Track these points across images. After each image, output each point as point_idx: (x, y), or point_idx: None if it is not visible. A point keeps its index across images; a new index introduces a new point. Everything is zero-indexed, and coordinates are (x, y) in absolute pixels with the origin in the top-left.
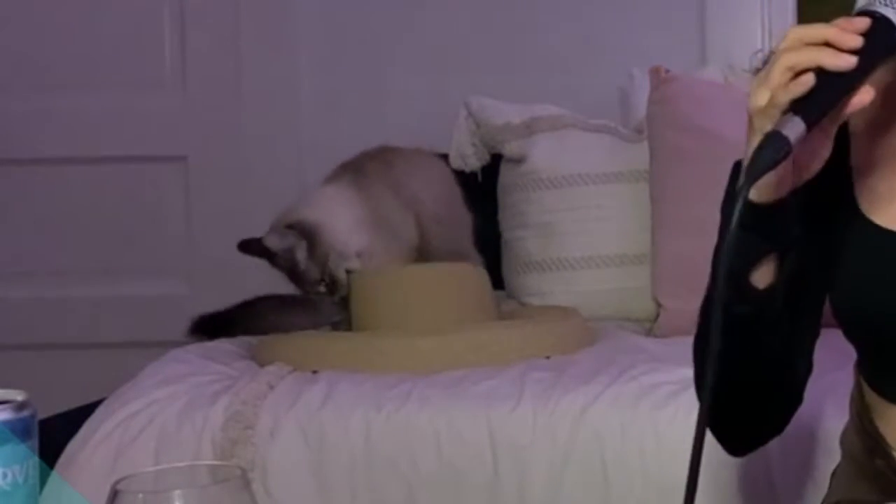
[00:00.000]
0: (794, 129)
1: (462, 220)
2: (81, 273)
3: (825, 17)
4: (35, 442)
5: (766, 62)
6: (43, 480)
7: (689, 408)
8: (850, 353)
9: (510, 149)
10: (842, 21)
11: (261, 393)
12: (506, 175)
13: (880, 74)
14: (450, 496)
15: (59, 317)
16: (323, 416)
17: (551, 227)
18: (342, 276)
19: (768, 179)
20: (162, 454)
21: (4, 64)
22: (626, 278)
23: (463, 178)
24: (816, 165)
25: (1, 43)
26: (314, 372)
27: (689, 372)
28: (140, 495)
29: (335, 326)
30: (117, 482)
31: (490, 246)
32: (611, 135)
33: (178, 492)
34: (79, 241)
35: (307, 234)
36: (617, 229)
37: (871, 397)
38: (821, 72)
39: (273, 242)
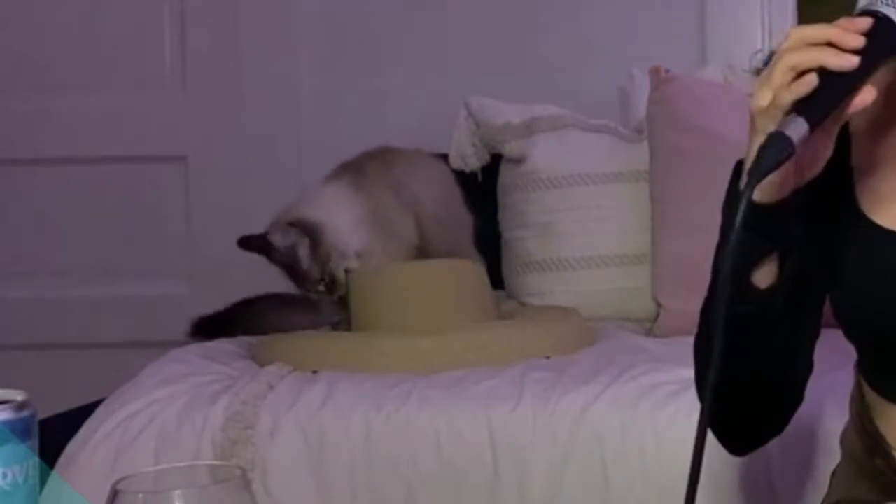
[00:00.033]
0: (797, 129)
1: (462, 221)
2: (81, 273)
3: (825, 17)
4: (35, 442)
5: (766, 62)
6: (43, 480)
7: (689, 408)
8: (850, 353)
9: (510, 149)
10: (844, 21)
11: (261, 393)
12: (506, 175)
13: (882, 74)
14: (450, 496)
15: (59, 317)
16: (323, 416)
17: (551, 227)
18: (342, 275)
19: (771, 179)
20: (162, 454)
21: (4, 64)
22: (626, 278)
23: (463, 178)
24: (818, 165)
25: (1, 43)
26: (314, 372)
27: (689, 372)
28: (140, 495)
29: (335, 326)
30: (117, 482)
31: (490, 246)
32: (611, 135)
33: (178, 492)
34: (79, 241)
35: (309, 232)
36: (617, 229)
37: (871, 397)
38: (823, 72)
39: (277, 239)
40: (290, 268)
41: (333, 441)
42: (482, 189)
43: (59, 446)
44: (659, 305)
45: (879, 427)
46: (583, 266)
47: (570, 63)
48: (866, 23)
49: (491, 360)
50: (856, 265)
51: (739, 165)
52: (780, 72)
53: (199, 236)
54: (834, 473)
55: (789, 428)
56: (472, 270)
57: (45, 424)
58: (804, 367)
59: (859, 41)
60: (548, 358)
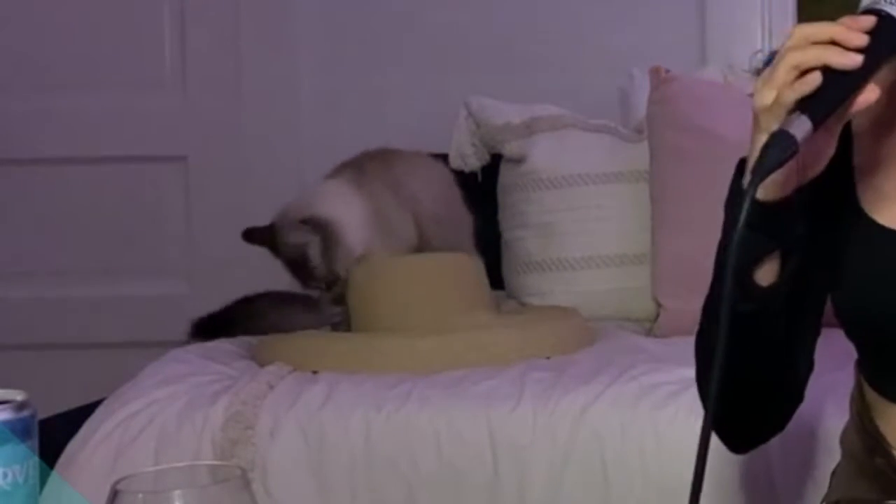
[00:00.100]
0: (801, 127)
1: (462, 221)
2: (81, 273)
3: (825, 16)
4: (35, 442)
5: (766, 62)
6: (43, 480)
7: (689, 408)
8: (850, 352)
9: (510, 149)
10: (847, 19)
11: (261, 393)
12: (506, 175)
13: (885, 73)
14: (450, 496)
15: (59, 317)
16: (323, 416)
17: (551, 227)
18: (345, 273)
19: (774, 178)
20: (162, 454)
21: (4, 64)
22: (626, 278)
23: (463, 178)
24: (821, 164)
25: (1, 43)
26: (314, 372)
27: (689, 372)
28: (140, 495)
29: (335, 327)
30: (117, 482)
31: (490, 246)
32: (611, 135)
33: (178, 492)
34: (79, 241)
35: (322, 230)
36: (617, 229)
37: (872, 396)
38: (827, 70)
39: (288, 236)
40: (297, 264)
41: (333, 441)
42: (482, 189)
43: (59, 446)
44: (659, 305)
45: (880, 426)
46: (583, 266)
47: (570, 63)
48: (870, 21)
49: (491, 360)
50: (857, 264)
51: (742, 164)
52: (784, 70)
53: (199, 236)
54: (834, 472)
55: (790, 427)
56: (469, 264)
57: (45, 424)
58: (805, 366)
59: (863, 40)
60: (548, 358)
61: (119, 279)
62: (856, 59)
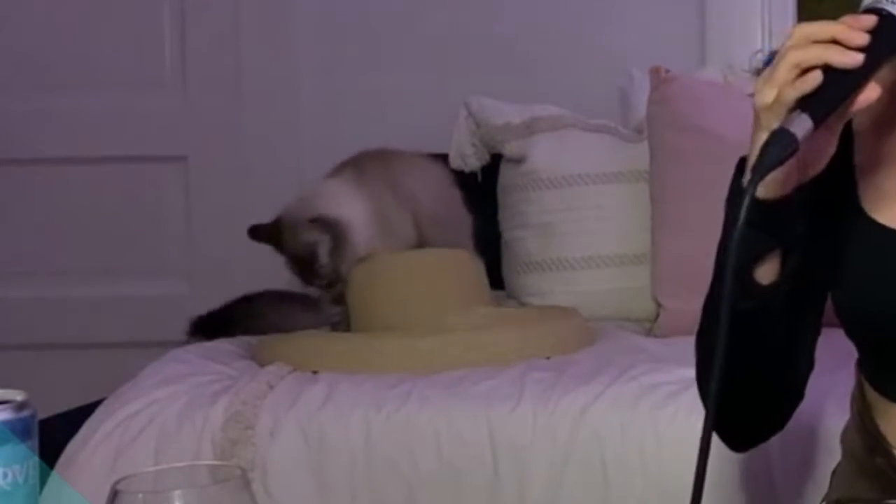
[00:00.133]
0: (802, 126)
1: (461, 221)
2: (81, 273)
3: (825, 16)
4: (35, 442)
5: (766, 62)
6: (43, 480)
7: (689, 408)
8: (850, 351)
9: (510, 149)
10: (848, 18)
11: (261, 393)
12: (506, 175)
13: (886, 72)
14: (450, 496)
15: (59, 317)
16: (323, 416)
17: (551, 227)
18: (347, 273)
19: (774, 176)
20: (162, 454)
21: (4, 64)
22: (626, 278)
23: (463, 178)
24: (822, 163)
25: (1, 43)
26: (314, 372)
27: (689, 372)
28: (140, 495)
29: (335, 327)
30: (117, 482)
31: (490, 246)
32: (611, 135)
33: (178, 492)
34: (79, 241)
35: (331, 230)
36: (617, 229)
37: (872, 396)
38: (828, 69)
39: (303, 236)
40: (304, 262)
41: (333, 441)
42: (482, 189)
43: (59, 446)
44: (659, 305)
45: (880, 426)
46: (583, 266)
47: (570, 63)
48: (871, 20)
49: (491, 360)
50: (857, 264)
51: (742, 162)
52: (785, 69)
53: (199, 236)
54: (834, 472)
55: (790, 426)
56: (467, 259)
57: (45, 424)
58: (805, 365)
59: (864, 38)
60: (548, 358)
61: (119, 279)
62: (857, 58)
